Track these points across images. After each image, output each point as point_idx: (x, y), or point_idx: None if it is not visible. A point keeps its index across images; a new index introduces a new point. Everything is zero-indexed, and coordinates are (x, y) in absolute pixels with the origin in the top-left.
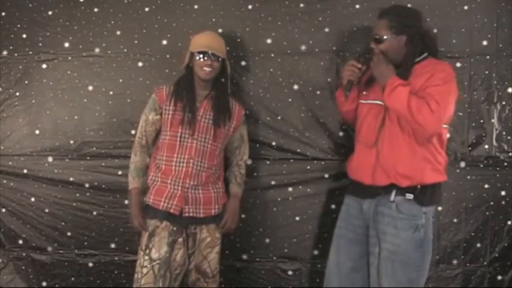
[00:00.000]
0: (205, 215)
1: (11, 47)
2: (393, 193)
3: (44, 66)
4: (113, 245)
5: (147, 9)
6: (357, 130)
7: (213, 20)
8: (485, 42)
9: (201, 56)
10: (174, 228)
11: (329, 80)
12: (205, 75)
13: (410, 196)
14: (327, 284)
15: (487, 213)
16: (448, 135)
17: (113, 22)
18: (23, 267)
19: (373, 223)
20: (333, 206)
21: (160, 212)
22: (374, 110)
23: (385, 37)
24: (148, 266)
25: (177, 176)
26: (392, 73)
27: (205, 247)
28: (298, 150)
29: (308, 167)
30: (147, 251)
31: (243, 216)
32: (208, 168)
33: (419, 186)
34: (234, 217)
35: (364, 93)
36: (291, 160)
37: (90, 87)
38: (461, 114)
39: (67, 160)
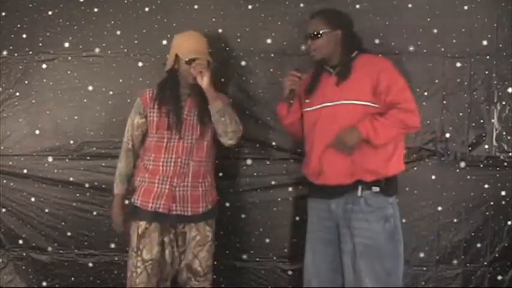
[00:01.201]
0: (192, 213)
1: (11, 47)
2: (360, 189)
3: (44, 66)
4: (112, 245)
5: (147, 9)
6: (308, 136)
7: (213, 20)
8: (485, 42)
9: (188, 61)
10: (164, 228)
11: None
12: (195, 80)
13: (376, 189)
14: (307, 285)
15: (487, 213)
16: (447, 135)
17: (113, 22)
18: (23, 267)
19: (343, 221)
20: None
21: (149, 213)
22: (324, 113)
23: (321, 31)
24: (142, 266)
25: (164, 175)
26: (355, 130)
27: (196, 245)
28: (298, 150)
29: None
30: (139, 253)
31: (243, 216)
32: (196, 163)
33: (383, 179)
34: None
35: (307, 101)
36: (291, 160)
37: (90, 87)
38: (461, 114)
39: (67, 160)
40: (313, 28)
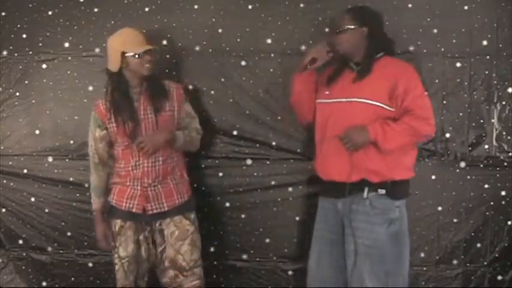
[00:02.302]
0: (169, 208)
1: (11, 47)
2: (366, 190)
3: (44, 66)
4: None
5: (147, 9)
6: (320, 130)
7: (213, 20)
8: (485, 42)
9: (141, 54)
10: (139, 226)
11: None
12: (148, 71)
13: (382, 191)
14: (310, 285)
15: (487, 213)
16: (447, 135)
17: (113, 22)
18: (23, 267)
19: (347, 221)
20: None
21: (123, 212)
22: (337, 108)
23: (346, 27)
24: (119, 263)
25: (135, 177)
26: (364, 130)
27: (176, 241)
28: (298, 150)
29: (308, 167)
30: (116, 250)
31: (242, 216)
32: (164, 161)
33: (389, 182)
34: (151, 137)
35: (326, 92)
36: (291, 160)
37: (90, 87)
38: (461, 114)
39: (67, 160)
40: (340, 23)
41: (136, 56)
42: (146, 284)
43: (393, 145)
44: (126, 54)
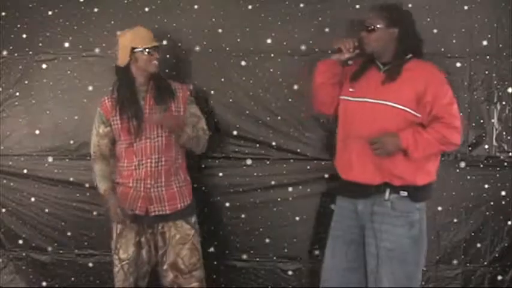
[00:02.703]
0: (171, 211)
1: (11, 47)
2: (387, 192)
3: (44, 66)
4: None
5: (147, 9)
6: (343, 128)
7: (213, 20)
8: (485, 42)
9: (149, 51)
10: (141, 228)
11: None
12: (155, 68)
13: (404, 193)
14: (323, 285)
15: (487, 213)
16: None
17: (113, 22)
18: (23, 267)
19: (369, 223)
20: (333, 206)
21: (126, 214)
22: (364, 109)
23: (378, 26)
24: (119, 265)
25: (137, 178)
26: (396, 138)
27: (176, 244)
28: (298, 150)
29: (308, 167)
30: (116, 251)
31: (242, 216)
32: (166, 162)
33: (411, 185)
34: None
35: (351, 90)
36: (291, 160)
37: (90, 87)
38: (461, 114)
39: (67, 160)
40: (370, 21)
41: (145, 51)
42: (146, 285)
43: (423, 153)
44: (135, 50)
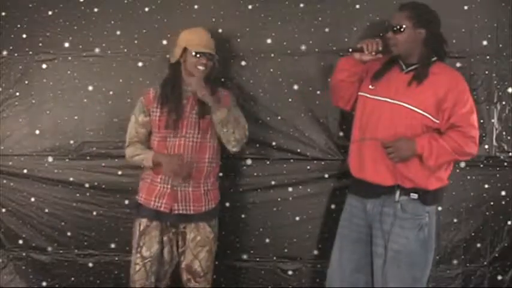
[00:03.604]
0: (195, 212)
1: (11, 47)
2: (398, 193)
3: (44, 66)
4: (112, 245)
5: (147, 9)
6: (359, 125)
7: (213, 20)
8: (485, 42)
9: (199, 54)
10: (164, 226)
11: (329, 80)
12: (199, 73)
13: (415, 196)
14: (329, 284)
15: (487, 213)
16: None
17: (113, 22)
18: (23, 267)
19: (378, 223)
20: (333, 206)
21: (151, 210)
22: (383, 109)
23: (404, 26)
24: (140, 263)
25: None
26: (412, 143)
27: (196, 246)
28: (298, 150)
29: (308, 167)
30: (139, 249)
31: (242, 216)
32: (198, 163)
33: (422, 188)
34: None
35: (371, 87)
36: (291, 160)
37: (90, 87)
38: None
39: (67, 160)
40: (397, 21)
41: (194, 54)
42: (165, 286)
43: (437, 161)
44: (187, 50)
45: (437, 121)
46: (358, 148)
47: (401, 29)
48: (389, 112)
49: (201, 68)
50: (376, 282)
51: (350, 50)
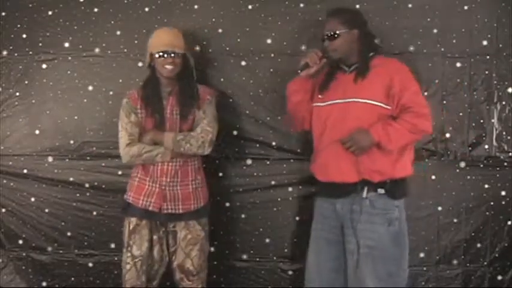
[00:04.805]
0: (184, 211)
1: (11, 47)
2: (365, 190)
3: (44, 66)
4: (112, 245)
5: (147, 9)
6: (318, 133)
7: (213, 20)
8: (485, 42)
9: (162, 54)
10: (154, 225)
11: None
12: (168, 73)
13: (382, 191)
14: (309, 285)
15: (487, 213)
16: (448, 135)
17: (113, 22)
18: (23, 267)
19: (349, 222)
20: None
21: (139, 209)
22: (335, 110)
23: (338, 32)
24: (131, 262)
25: (154, 174)
26: (368, 134)
27: (187, 245)
28: (298, 150)
29: (307, 167)
30: (129, 248)
31: (242, 216)
32: (184, 163)
33: (388, 181)
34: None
35: (320, 96)
36: (291, 160)
37: (90, 87)
38: (461, 114)
39: (67, 160)
40: (330, 28)
41: (157, 55)
42: (157, 287)
43: (396, 144)
44: (152, 52)
45: (389, 107)
46: (319, 154)
47: (336, 35)
48: (342, 111)
49: (168, 67)
50: (349, 278)
51: (299, 71)
